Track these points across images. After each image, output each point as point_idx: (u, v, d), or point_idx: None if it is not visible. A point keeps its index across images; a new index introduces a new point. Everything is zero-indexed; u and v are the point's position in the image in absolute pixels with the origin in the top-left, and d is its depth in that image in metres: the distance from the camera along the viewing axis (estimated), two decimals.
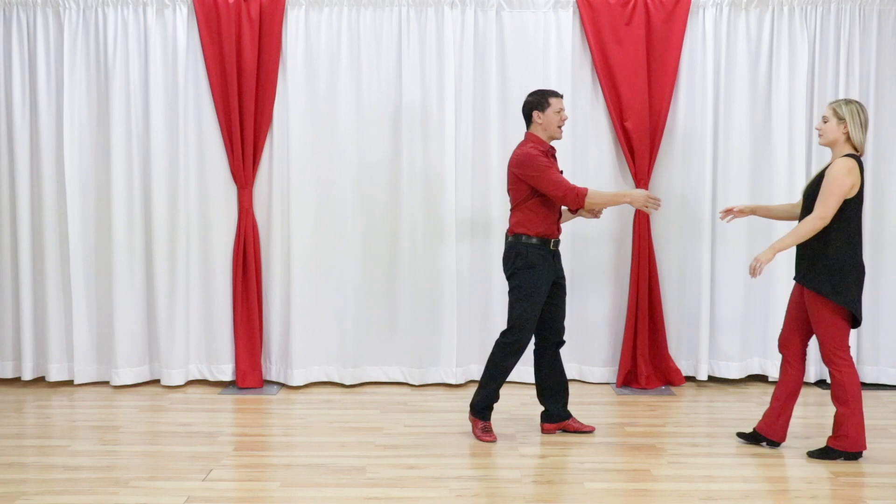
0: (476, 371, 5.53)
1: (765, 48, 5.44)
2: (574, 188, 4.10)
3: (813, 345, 5.42)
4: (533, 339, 4.44)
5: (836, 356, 3.96)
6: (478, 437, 4.33)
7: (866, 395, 5.28)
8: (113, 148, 5.34)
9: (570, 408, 4.61)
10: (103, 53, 5.38)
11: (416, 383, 5.48)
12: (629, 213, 5.47)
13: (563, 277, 4.38)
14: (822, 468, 3.91)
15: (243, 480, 3.77)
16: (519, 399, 5.14)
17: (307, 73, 5.39)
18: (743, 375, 5.59)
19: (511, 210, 4.32)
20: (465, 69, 5.39)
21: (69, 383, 5.54)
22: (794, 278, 4.07)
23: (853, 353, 5.49)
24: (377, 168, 5.44)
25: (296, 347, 5.42)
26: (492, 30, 5.40)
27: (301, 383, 5.45)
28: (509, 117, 5.41)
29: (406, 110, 5.37)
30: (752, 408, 5.00)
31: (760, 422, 4.23)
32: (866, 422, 4.69)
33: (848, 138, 3.91)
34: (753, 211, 4.37)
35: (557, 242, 4.28)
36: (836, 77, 5.42)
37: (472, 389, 5.39)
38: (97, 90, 5.42)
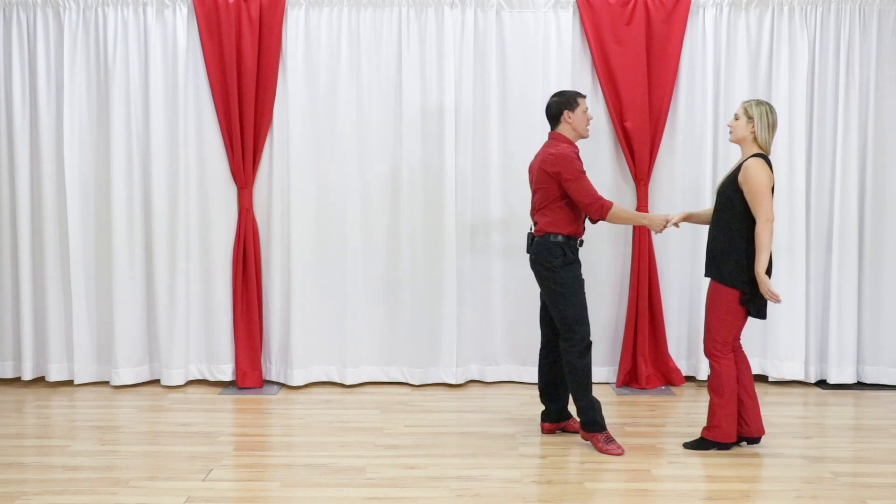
0: (476, 371, 5.54)
1: (765, 48, 5.44)
2: (601, 200, 4.09)
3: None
4: (538, 339, 4.44)
5: (717, 348, 4.03)
6: (603, 451, 4.11)
7: (867, 395, 5.29)
8: (113, 148, 5.35)
9: (570, 408, 4.61)
10: (103, 53, 5.38)
11: (416, 383, 5.48)
12: None
13: None
14: (823, 468, 3.91)
15: (243, 480, 3.77)
16: (519, 399, 5.13)
17: (307, 73, 5.39)
18: None
19: (538, 210, 4.23)
20: (465, 69, 5.39)
21: (69, 383, 5.54)
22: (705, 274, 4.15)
23: (855, 352, 5.49)
24: (377, 168, 5.44)
25: (296, 347, 5.42)
26: (492, 30, 5.41)
27: (301, 383, 5.45)
28: (509, 116, 5.41)
29: (406, 110, 5.38)
30: None
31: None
32: (867, 422, 4.71)
33: (755, 138, 4.00)
34: (687, 218, 4.35)
35: (583, 241, 4.27)
36: (836, 77, 5.42)
37: (472, 389, 5.41)
38: (97, 90, 5.42)
